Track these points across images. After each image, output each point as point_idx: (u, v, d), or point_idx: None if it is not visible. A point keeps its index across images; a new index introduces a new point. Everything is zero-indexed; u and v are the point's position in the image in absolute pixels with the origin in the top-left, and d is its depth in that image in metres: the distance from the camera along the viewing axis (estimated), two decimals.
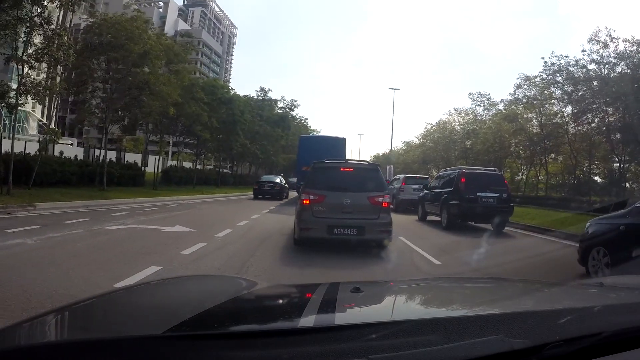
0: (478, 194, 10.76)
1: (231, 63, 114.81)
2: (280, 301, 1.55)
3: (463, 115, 41.49)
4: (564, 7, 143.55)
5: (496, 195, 10.88)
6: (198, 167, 37.82)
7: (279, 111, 42.83)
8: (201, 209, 14.57)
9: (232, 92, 33.57)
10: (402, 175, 20.15)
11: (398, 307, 1.47)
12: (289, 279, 5.07)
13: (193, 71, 22.82)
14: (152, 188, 20.51)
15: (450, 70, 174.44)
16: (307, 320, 1.11)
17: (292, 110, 45.30)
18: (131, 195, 15.86)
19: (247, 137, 34.87)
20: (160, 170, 26.56)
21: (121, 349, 0.86)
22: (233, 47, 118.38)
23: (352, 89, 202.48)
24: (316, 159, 7.84)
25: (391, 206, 19.70)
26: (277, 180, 23.79)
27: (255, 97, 42.42)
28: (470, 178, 11.16)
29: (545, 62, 28.79)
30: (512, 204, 11.28)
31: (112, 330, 1.10)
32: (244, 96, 39.62)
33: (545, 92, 30.93)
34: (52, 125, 30.67)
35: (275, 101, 43.18)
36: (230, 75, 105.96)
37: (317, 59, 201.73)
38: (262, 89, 42.24)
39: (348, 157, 25.15)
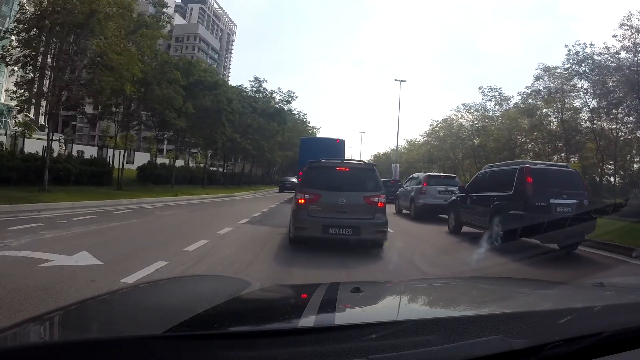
0: (551, 201, 7.37)
1: (230, 60, 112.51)
2: (280, 301, 1.53)
3: (472, 111, 37.69)
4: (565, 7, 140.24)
5: (574, 202, 7.74)
6: (184, 164, 33.68)
7: (276, 105, 38.25)
8: (159, 217, 10.84)
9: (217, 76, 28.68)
10: (421, 174, 16.78)
11: (398, 307, 1.49)
12: None
13: (159, 38, 18.10)
14: (117, 188, 16.62)
15: (452, 70, 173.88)
16: (307, 320, 1.12)
17: (290, 103, 40.66)
18: (80, 197, 12.24)
19: (237, 130, 30.71)
20: (136, 167, 22.68)
21: (121, 349, 0.86)
22: (232, 45, 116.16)
23: (352, 87, 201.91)
24: (317, 160, 7.87)
25: (405, 210, 15.55)
26: (294, 179, 31.42)
27: (249, 88, 37.78)
28: (539, 177, 7.94)
29: (569, 50, 24.91)
30: (594, 215, 7.39)
31: (112, 330, 1.10)
32: (237, 86, 35.43)
33: (569, 84, 26.88)
34: (42, 122, 26.70)
35: (272, 93, 38.64)
36: (229, 72, 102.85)
37: (317, 58, 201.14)
38: (257, 79, 38.34)
39: (348, 156, 26.65)
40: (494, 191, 8.82)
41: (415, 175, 17.30)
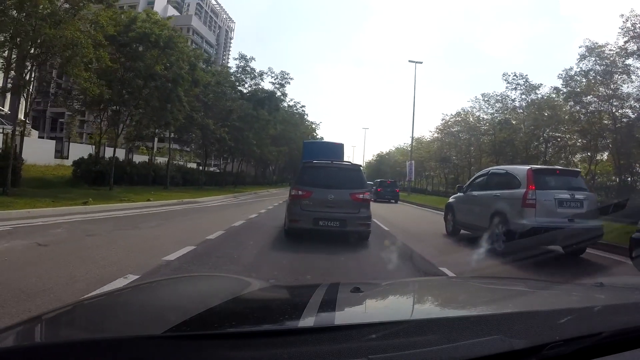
0: None
1: (228, 58, 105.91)
2: (280, 301, 1.48)
3: (492, 102, 31.79)
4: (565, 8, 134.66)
5: None
6: (146, 158, 26.67)
7: (265, 89, 31.19)
8: None
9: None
10: (516, 168, 8.34)
11: (398, 307, 1.45)
12: None
13: None
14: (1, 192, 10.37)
15: (453, 70, 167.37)
16: (307, 321, 1.08)
17: (283, 86, 33.79)
18: None
19: (215, 116, 24.01)
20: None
21: (121, 349, 0.84)
22: (230, 42, 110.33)
23: (354, 86, 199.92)
24: (310, 160, 8.76)
25: (463, 230, 9.51)
26: None
27: (234, 68, 30.96)
28: None
29: (624, 20, 18.84)
30: None
31: (112, 330, 1.07)
32: (222, 66, 28.74)
33: (622, 63, 22.15)
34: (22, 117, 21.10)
35: (261, 74, 31.35)
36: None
37: (317, 57, 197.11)
38: (243, 57, 30.92)
39: (349, 155, 23.66)
40: None
41: (495, 170, 9.16)
